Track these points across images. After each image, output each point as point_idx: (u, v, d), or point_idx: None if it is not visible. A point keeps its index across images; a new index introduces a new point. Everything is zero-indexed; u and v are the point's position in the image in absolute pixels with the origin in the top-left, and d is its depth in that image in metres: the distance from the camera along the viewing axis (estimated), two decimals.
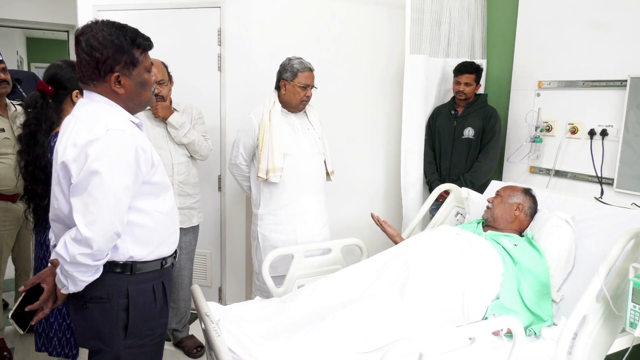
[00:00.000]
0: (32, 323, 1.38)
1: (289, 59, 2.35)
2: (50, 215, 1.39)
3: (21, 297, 1.37)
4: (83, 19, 3.08)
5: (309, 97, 2.37)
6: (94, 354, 1.44)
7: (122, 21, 1.38)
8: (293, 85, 2.32)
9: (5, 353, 2.54)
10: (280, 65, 2.38)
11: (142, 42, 1.35)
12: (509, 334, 1.52)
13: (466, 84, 2.90)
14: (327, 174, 2.53)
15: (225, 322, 1.55)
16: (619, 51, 2.49)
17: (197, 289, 1.82)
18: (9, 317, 1.36)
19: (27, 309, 1.34)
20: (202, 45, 2.98)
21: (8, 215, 2.51)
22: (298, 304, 1.82)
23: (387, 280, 1.84)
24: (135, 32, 1.34)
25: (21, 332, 1.39)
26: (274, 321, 1.74)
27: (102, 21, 1.32)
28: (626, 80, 2.43)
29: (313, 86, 2.36)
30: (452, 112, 3.02)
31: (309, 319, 1.70)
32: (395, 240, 2.33)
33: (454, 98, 3.05)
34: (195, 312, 2.50)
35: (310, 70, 2.35)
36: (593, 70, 2.61)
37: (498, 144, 2.94)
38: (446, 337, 1.31)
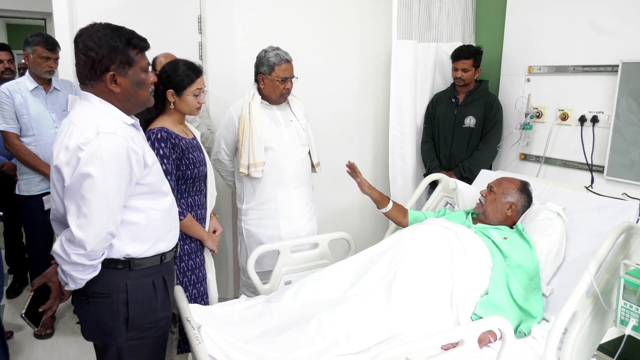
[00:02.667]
0: (43, 319, 1.46)
1: (265, 51, 2.24)
2: (51, 215, 1.43)
3: (30, 297, 1.43)
4: (57, 6, 2.97)
5: (288, 90, 2.28)
6: (101, 351, 1.50)
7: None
8: (271, 79, 2.22)
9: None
10: (257, 57, 2.26)
11: (137, 43, 1.38)
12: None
13: (463, 70, 2.81)
14: (313, 165, 2.46)
15: (206, 327, 1.50)
16: (610, 36, 2.43)
17: (179, 291, 1.77)
18: (22, 315, 1.41)
19: (40, 309, 1.41)
20: (182, 33, 2.86)
21: None
22: (283, 304, 1.78)
23: (374, 277, 1.80)
24: (131, 32, 1.38)
25: (35, 328, 1.46)
26: (259, 322, 1.70)
27: (99, 23, 1.36)
28: (617, 66, 2.37)
29: (292, 77, 2.27)
30: (453, 100, 2.93)
31: (294, 320, 1.66)
32: (380, 205, 2.24)
33: (454, 85, 2.96)
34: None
35: (288, 61, 2.23)
36: (584, 55, 2.55)
37: (499, 133, 2.88)
38: (433, 341, 1.27)
